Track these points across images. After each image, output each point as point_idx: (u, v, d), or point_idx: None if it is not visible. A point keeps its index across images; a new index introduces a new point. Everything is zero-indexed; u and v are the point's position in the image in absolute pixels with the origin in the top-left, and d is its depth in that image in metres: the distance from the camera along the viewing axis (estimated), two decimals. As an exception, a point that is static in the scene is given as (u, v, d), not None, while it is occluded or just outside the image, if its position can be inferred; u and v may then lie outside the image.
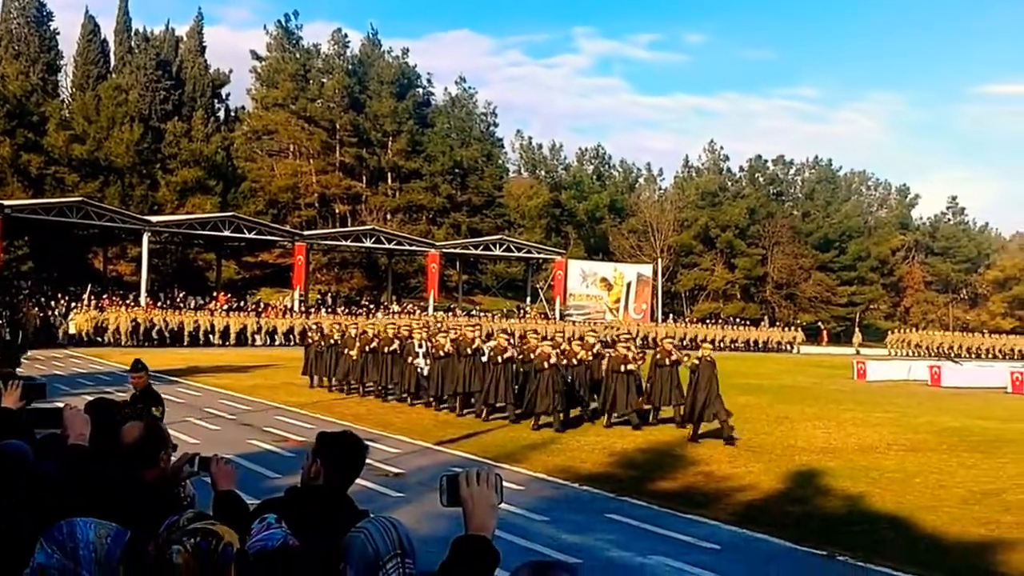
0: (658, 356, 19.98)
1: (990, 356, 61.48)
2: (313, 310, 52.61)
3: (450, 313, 55.65)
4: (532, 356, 20.31)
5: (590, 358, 21.08)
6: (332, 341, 26.45)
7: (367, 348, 24.39)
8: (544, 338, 23.47)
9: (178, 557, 2.64)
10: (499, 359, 20.07)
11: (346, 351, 25.34)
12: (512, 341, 21.84)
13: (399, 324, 28.16)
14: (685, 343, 52.17)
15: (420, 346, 22.83)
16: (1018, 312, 79.85)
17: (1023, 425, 22.48)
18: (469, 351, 21.31)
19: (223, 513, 3.68)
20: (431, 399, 22.32)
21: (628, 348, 20.41)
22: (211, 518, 3.00)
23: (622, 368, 19.56)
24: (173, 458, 4.24)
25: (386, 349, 23.86)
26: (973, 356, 59.59)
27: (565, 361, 20.06)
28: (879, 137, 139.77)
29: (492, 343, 21.63)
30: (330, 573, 2.82)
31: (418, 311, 55.80)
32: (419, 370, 22.60)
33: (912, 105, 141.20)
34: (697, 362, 18.53)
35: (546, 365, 19.07)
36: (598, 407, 20.76)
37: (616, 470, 15.09)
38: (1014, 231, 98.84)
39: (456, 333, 23.04)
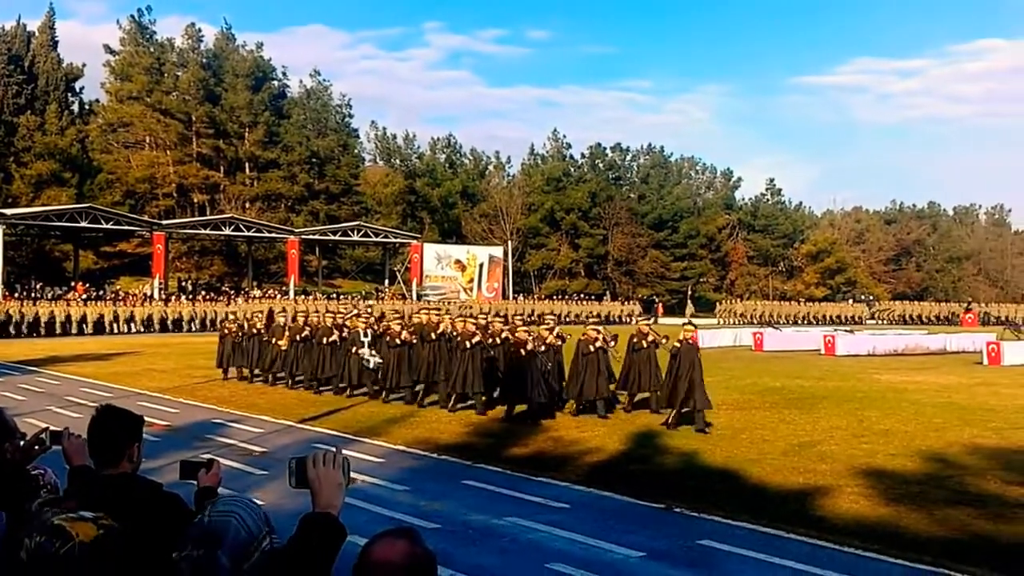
0: (634, 339, 17.96)
1: (805, 322, 64.35)
2: (173, 297, 50.97)
3: (310, 297, 54.77)
4: (498, 341, 18.32)
5: (559, 342, 18.48)
6: (255, 331, 23.80)
7: (298, 337, 21.87)
8: (505, 320, 20.58)
9: (23, 555, 2.41)
10: (467, 344, 17.84)
11: (275, 341, 22.68)
12: (479, 325, 19.10)
13: (336, 312, 24.89)
14: (533, 318, 52.81)
15: (365, 335, 20.37)
16: (829, 281, 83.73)
17: (834, 383, 23.62)
18: (433, 336, 19.07)
19: (78, 489, 3.45)
20: (378, 389, 19.83)
21: (596, 329, 18.19)
22: (63, 505, 2.78)
23: (591, 349, 17.34)
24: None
25: (325, 339, 21.17)
26: (791, 322, 62.24)
27: (543, 348, 17.52)
28: (706, 126, 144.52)
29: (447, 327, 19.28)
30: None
31: (279, 296, 54.79)
32: (364, 360, 20.06)
33: (735, 96, 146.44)
34: (678, 345, 16.29)
35: (523, 352, 16.95)
36: (565, 394, 18.16)
37: (473, 439, 15.10)
38: (824, 209, 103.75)
39: (399, 318, 20.92)
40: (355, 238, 63.81)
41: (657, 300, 73.85)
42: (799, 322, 63.77)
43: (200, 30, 73.94)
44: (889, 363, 30.77)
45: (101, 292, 50.23)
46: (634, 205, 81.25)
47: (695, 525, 9.68)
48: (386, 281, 65.72)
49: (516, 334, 17.74)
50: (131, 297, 49.87)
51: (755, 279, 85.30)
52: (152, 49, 71.26)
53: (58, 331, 42.72)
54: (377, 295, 60.26)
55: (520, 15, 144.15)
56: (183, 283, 58.75)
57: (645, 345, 17.80)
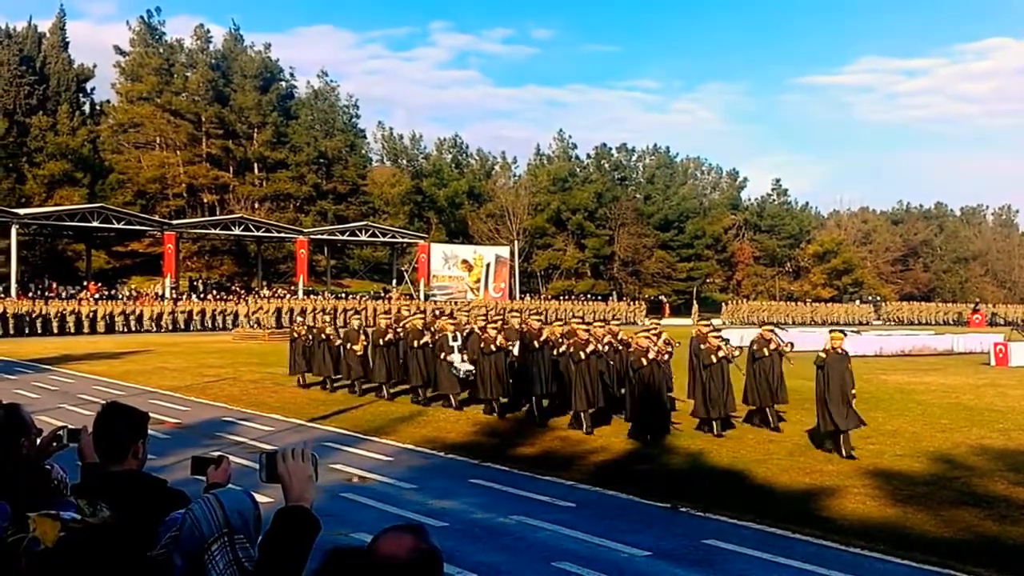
0: (755, 347, 16.08)
1: (812, 322, 64.13)
2: (184, 296, 51.25)
3: (319, 296, 54.89)
4: (604, 348, 16.27)
5: (669, 349, 16.52)
6: (324, 335, 21.59)
7: (381, 341, 19.88)
8: (601, 324, 18.39)
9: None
10: (582, 354, 15.57)
11: (349, 346, 20.48)
12: (590, 332, 16.53)
13: (427, 313, 22.07)
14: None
15: (455, 339, 18.41)
16: (835, 282, 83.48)
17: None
18: (536, 344, 16.88)
19: (89, 486, 3.45)
20: (485, 399, 17.58)
21: (717, 335, 16.22)
22: (56, 504, 2.77)
23: (712, 359, 15.32)
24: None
25: (416, 343, 18.99)
26: (797, 323, 62.01)
27: (666, 357, 15.67)
28: (711, 126, 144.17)
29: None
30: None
31: (288, 295, 54.95)
32: (453, 369, 18.11)
33: (741, 96, 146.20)
34: (824, 355, 13.99)
35: (644, 362, 14.87)
36: (692, 412, 16.13)
37: (480, 439, 15.10)
38: (831, 209, 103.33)
39: (493, 322, 18.84)
40: (363, 238, 63.96)
41: (664, 300, 73.83)
42: (806, 322, 63.52)
43: (209, 31, 74.30)
44: (896, 364, 30.62)
45: (113, 291, 50.51)
46: (640, 205, 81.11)
47: (701, 525, 9.66)
48: (394, 281, 65.85)
49: (636, 341, 15.77)
50: (144, 296, 50.17)
51: (761, 280, 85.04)
52: (161, 50, 71.53)
53: (70, 330, 42.94)
54: (385, 295, 60.38)
55: (526, 14, 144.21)
56: (194, 282, 58.99)
57: (767, 353, 16.03)
